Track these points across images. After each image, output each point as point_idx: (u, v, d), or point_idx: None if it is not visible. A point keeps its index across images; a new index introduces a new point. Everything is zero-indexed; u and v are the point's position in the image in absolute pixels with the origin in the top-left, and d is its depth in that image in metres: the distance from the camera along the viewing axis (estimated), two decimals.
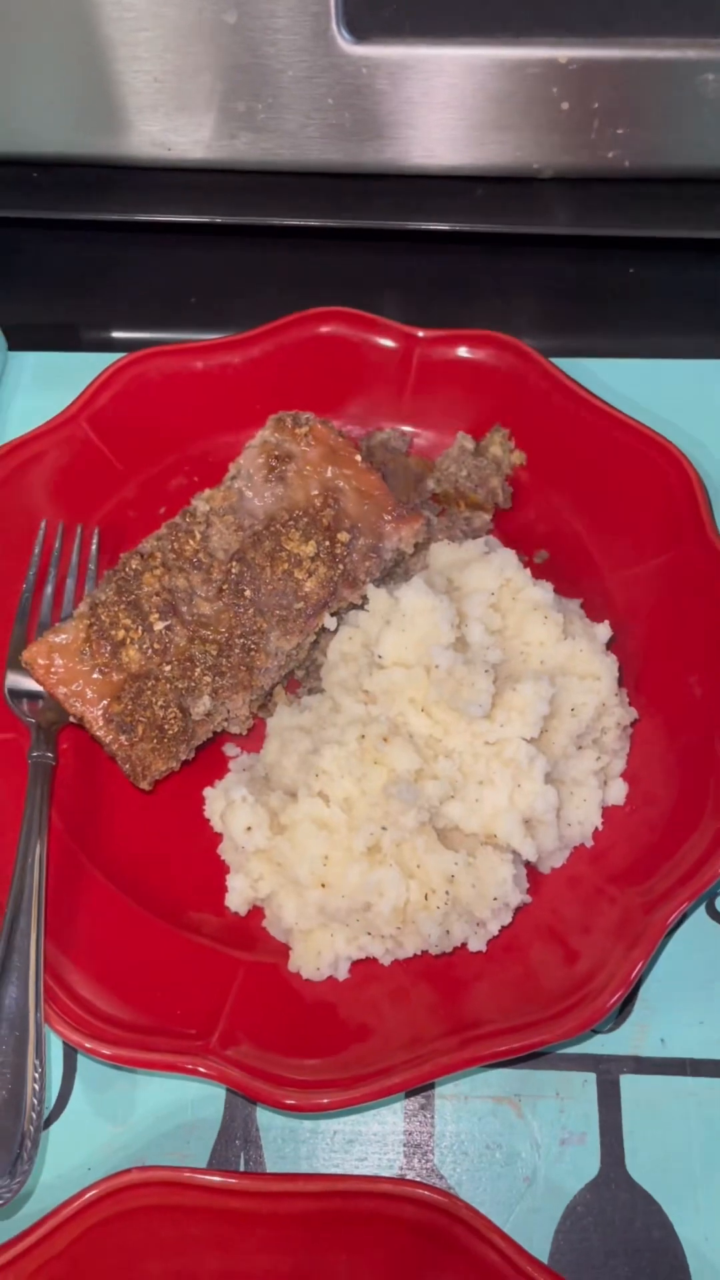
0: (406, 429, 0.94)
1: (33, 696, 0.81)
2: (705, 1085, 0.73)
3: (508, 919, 0.73)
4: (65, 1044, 0.75)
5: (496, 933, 0.73)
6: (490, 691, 0.72)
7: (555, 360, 0.94)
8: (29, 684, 0.81)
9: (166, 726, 0.76)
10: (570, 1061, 0.74)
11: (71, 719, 0.79)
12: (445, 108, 0.86)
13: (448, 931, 0.72)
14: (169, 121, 0.88)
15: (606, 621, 0.81)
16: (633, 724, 0.80)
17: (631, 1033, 0.75)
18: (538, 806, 0.72)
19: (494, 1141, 0.73)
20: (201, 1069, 0.69)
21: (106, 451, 0.92)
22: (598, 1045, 0.75)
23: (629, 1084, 0.74)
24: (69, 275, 1.11)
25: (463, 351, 0.94)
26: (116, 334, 1.08)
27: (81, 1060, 0.75)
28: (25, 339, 1.04)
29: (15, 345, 1.04)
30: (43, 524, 0.88)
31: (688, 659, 0.81)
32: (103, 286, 1.10)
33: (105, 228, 0.99)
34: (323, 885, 0.71)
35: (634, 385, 0.98)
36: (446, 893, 0.71)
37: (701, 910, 0.79)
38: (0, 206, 0.97)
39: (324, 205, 0.95)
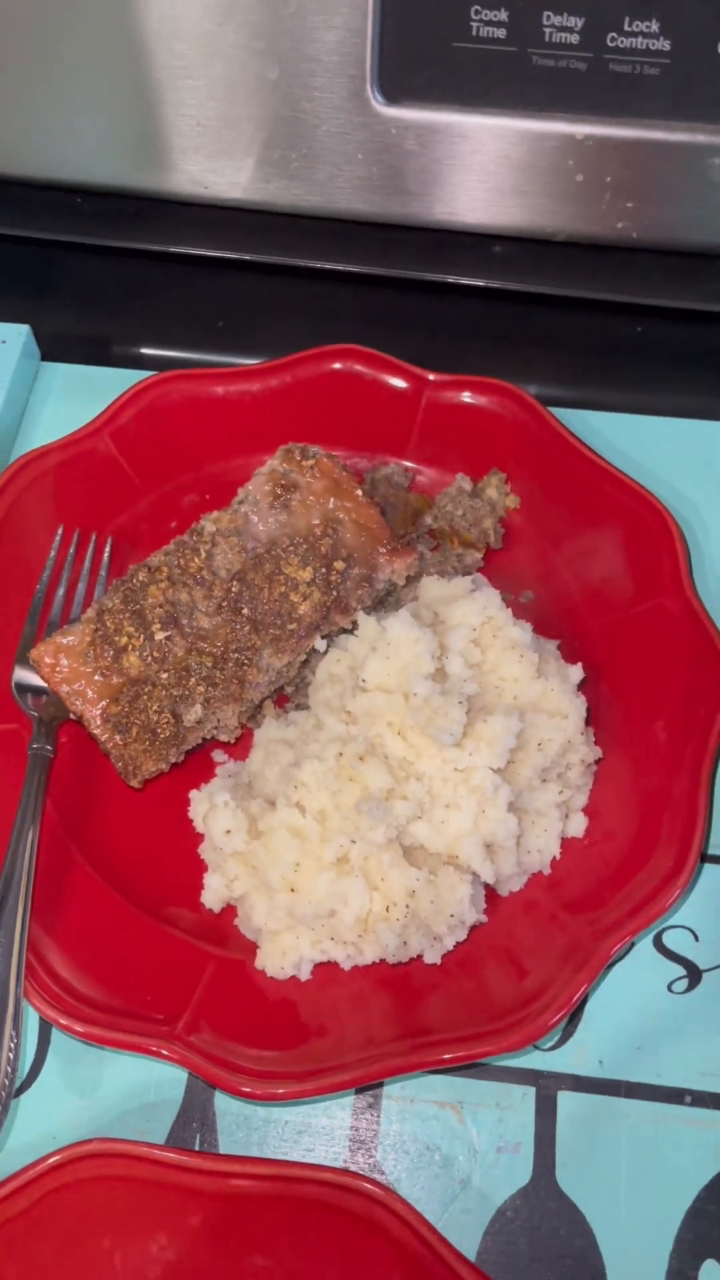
0: (409, 465, 0.99)
1: (37, 692, 0.87)
2: (637, 1107, 0.78)
3: (463, 936, 0.78)
4: (41, 1019, 0.80)
5: (452, 948, 0.78)
6: (463, 721, 0.77)
7: (557, 411, 0.99)
8: (35, 680, 0.86)
9: (159, 730, 0.81)
10: (512, 1075, 0.79)
11: (71, 716, 0.84)
12: (468, 170, 0.92)
13: (405, 943, 0.76)
14: (209, 163, 0.94)
15: (580, 664, 0.86)
16: (597, 762, 0.85)
17: (572, 1052, 0.80)
18: (499, 833, 0.77)
19: (434, 1144, 0.77)
20: (165, 1052, 0.73)
21: (125, 466, 0.98)
22: (540, 1061, 0.79)
23: (566, 1100, 0.78)
24: (105, 294, 1.16)
25: (468, 397, 0.99)
26: (145, 351, 1.13)
27: (55, 1036, 0.80)
28: (58, 351, 1.10)
29: (48, 356, 1.09)
30: (59, 529, 0.94)
31: (656, 705, 0.86)
32: (135, 306, 1.16)
33: (141, 253, 1.05)
34: (292, 890, 0.76)
35: (632, 440, 1.03)
36: (407, 906, 0.76)
37: (649, 944, 0.83)
38: (47, 229, 1.03)
39: (349, 251, 1.00)
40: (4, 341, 1.06)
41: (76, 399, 1.06)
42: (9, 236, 1.05)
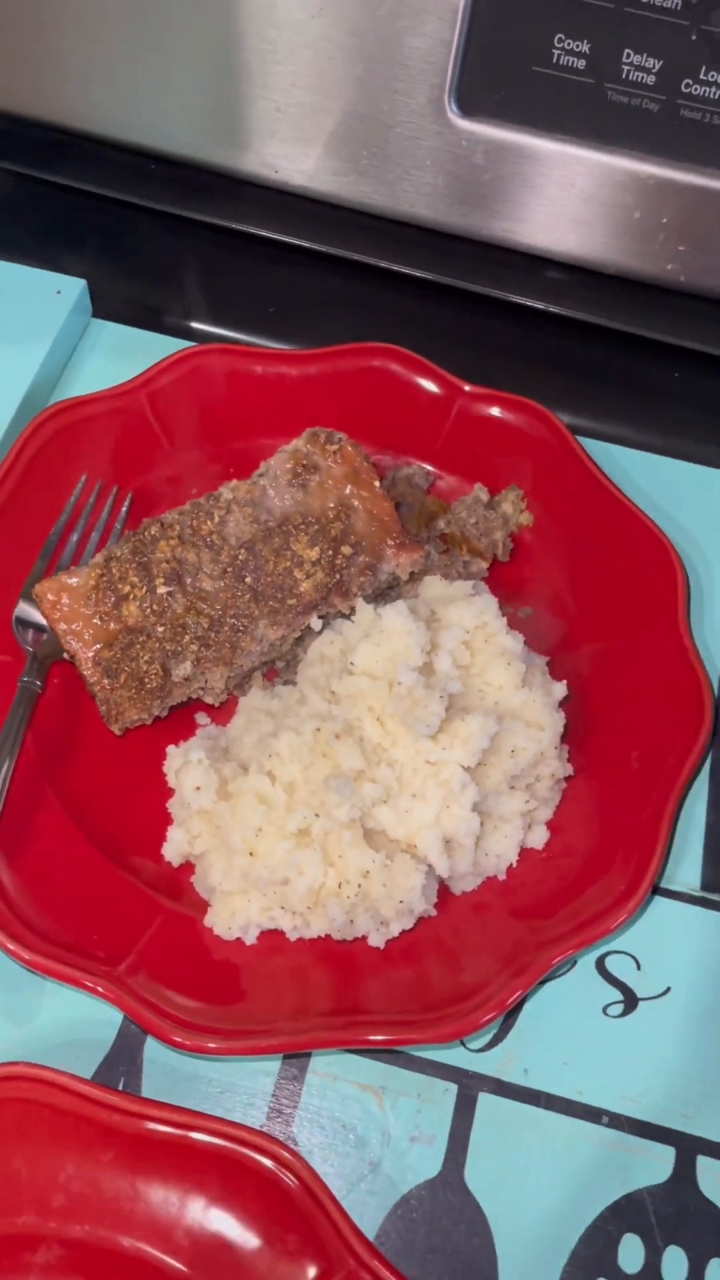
0: (431, 470, 1.01)
1: (38, 629, 0.89)
2: (553, 1119, 0.79)
3: (410, 924, 0.80)
4: None
5: (397, 935, 0.79)
6: (441, 716, 0.79)
7: (584, 441, 1.01)
8: (36, 616, 0.88)
9: (147, 680, 0.83)
10: (438, 1069, 0.80)
11: (65, 655, 0.86)
12: (531, 191, 0.94)
13: (352, 921, 0.78)
14: (282, 148, 0.97)
15: (565, 682, 0.87)
16: (567, 779, 0.87)
17: (499, 1057, 0.81)
18: (460, 830, 0.79)
19: (350, 1123, 0.78)
20: (101, 989, 0.75)
21: (156, 427, 1.00)
22: (466, 1061, 0.80)
23: (486, 1102, 0.79)
24: (164, 263, 1.19)
25: (499, 411, 1.01)
26: (194, 325, 1.16)
27: None
28: (111, 310, 1.12)
29: (100, 314, 1.12)
30: (83, 478, 0.96)
31: (634, 735, 0.88)
32: (192, 280, 1.18)
33: (205, 225, 1.08)
34: (251, 853, 0.78)
35: (653, 480, 1.04)
36: (359, 886, 0.77)
37: (591, 966, 0.84)
38: (119, 189, 1.06)
39: (405, 253, 1.03)
40: (59, 292, 1.08)
41: (120, 358, 1.09)
42: (82, 191, 1.08)
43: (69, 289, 1.08)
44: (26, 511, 0.94)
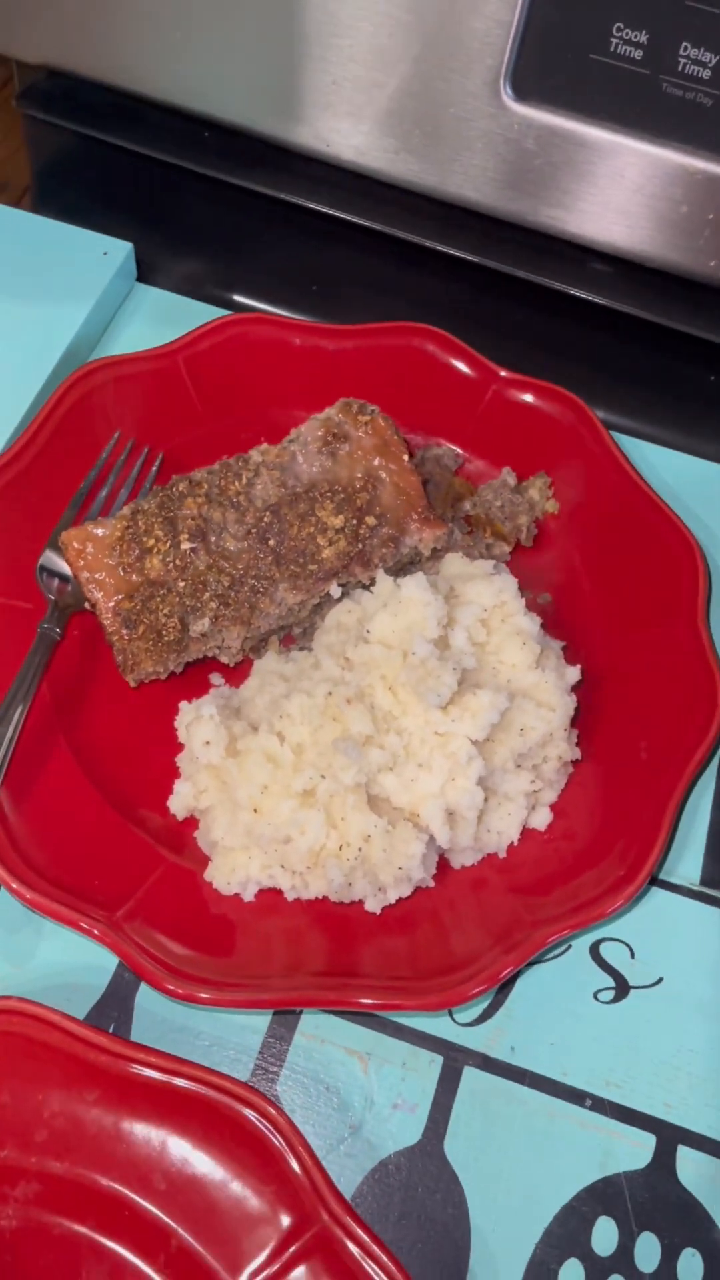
0: (461, 452, 1.02)
1: (62, 578, 0.90)
2: (536, 1098, 0.79)
3: (407, 892, 0.80)
4: None
5: (393, 901, 0.80)
6: (453, 688, 0.79)
7: (616, 435, 1.02)
8: (61, 565, 0.89)
9: (164, 633, 0.84)
10: (425, 1040, 0.80)
11: (86, 605, 0.87)
12: (580, 179, 0.94)
13: (350, 884, 0.78)
14: (334, 122, 0.98)
15: (579, 666, 0.88)
16: (574, 763, 0.87)
17: (487, 1033, 0.81)
18: (463, 802, 0.79)
19: (334, 1086, 0.79)
20: (97, 932, 0.76)
21: (192, 391, 1.01)
22: (454, 1034, 0.81)
23: (470, 1076, 0.80)
24: (214, 233, 1.20)
25: (532, 398, 1.01)
26: (237, 297, 1.17)
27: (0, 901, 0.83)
28: (155, 276, 1.14)
29: (144, 278, 1.13)
30: (116, 434, 0.97)
31: (644, 725, 0.88)
32: (238, 253, 1.19)
33: (254, 198, 1.09)
34: (255, 810, 0.78)
35: (680, 478, 1.05)
36: (359, 849, 0.78)
37: (586, 951, 0.84)
38: (173, 154, 1.07)
39: (450, 235, 1.04)
40: (106, 253, 1.09)
41: (161, 323, 1.10)
42: (137, 156, 1.09)
43: (116, 251, 1.10)
44: (59, 464, 0.95)
